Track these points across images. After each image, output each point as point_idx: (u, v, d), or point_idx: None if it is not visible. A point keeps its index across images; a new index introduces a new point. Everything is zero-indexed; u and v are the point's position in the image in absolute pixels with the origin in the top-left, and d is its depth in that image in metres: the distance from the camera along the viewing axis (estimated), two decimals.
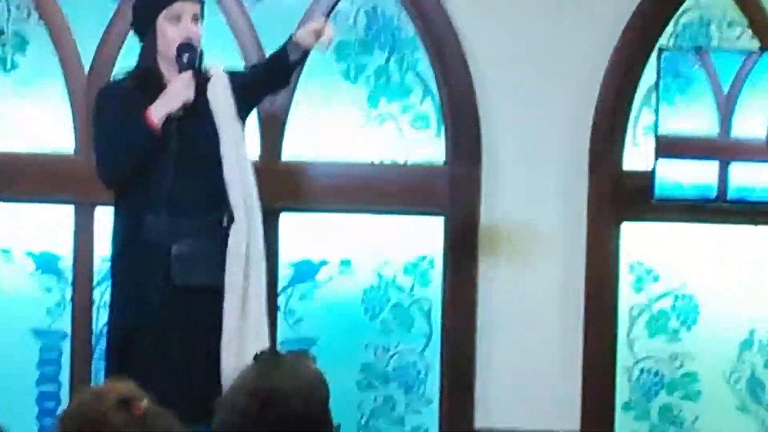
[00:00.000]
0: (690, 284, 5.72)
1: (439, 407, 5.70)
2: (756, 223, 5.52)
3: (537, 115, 5.67)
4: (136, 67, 5.02)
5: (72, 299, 5.68)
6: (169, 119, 4.81)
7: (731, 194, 5.34)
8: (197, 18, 4.92)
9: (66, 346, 5.75)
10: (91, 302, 5.66)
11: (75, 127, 5.65)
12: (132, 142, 4.83)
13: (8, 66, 5.77)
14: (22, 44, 5.77)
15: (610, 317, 5.67)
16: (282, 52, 4.95)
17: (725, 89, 5.40)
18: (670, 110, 5.43)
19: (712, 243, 5.69)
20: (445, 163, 5.67)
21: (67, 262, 5.69)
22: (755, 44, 5.54)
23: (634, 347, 5.76)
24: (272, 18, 5.67)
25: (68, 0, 5.72)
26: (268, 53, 5.36)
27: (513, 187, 5.68)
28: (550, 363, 5.69)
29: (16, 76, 5.76)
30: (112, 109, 4.95)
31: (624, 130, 5.64)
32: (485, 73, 5.67)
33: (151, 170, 4.84)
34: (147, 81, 4.93)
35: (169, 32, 4.87)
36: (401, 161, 5.72)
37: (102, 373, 5.55)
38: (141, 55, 5.00)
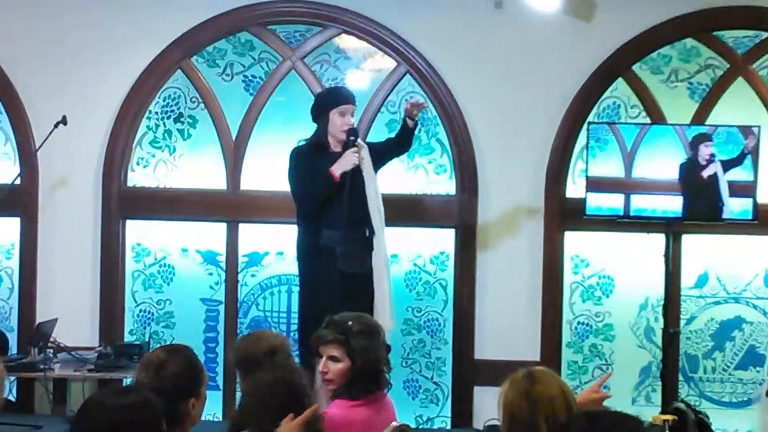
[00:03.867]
0: (608, 268, 7.28)
1: (452, 345, 7.23)
2: (648, 231, 7.01)
3: (512, 163, 7.19)
4: (313, 140, 6.35)
5: (225, 280, 7.35)
6: (343, 174, 6.17)
7: (632, 213, 6.66)
8: (353, 114, 6.39)
9: (221, 310, 7.37)
10: (236, 281, 7.33)
11: (227, 172, 7.34)
12: (324, 189, 6.17)
13: (185, 136, 7.43)
14: (193, 122, 7.44)
15: (558, 289, 7.22)
16: (404, 125, 6.33)
17: (628, 148, 6.71)
18: (595, 161, 6.75)
19: (621, 243, 7.23)
20: (456, 194, 7.26)
21: (221, 257, 7.36)
22: (648, 120, 7.11)
23: (573, 308, 7.32)
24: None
25: (222, 95, 7.37)
26: None
27: (497, 209, 7.22)
28: (521, 318, 7.18)
29: (190, 142, 7.44)
30: (302, 165, 6.25)
31: (567, 173, 7.21)
32: (479, 137, 7.23)
33: (328, 204, 6.15)
34: (319, 148, 6.29)
35: (338, 121, 6.29)
36: (429, 193, 7.25)
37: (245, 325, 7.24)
38: (317, 133, 6.32)
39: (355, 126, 6.47)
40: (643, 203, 6.76)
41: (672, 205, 6.72)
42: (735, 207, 6.72)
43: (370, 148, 6.41)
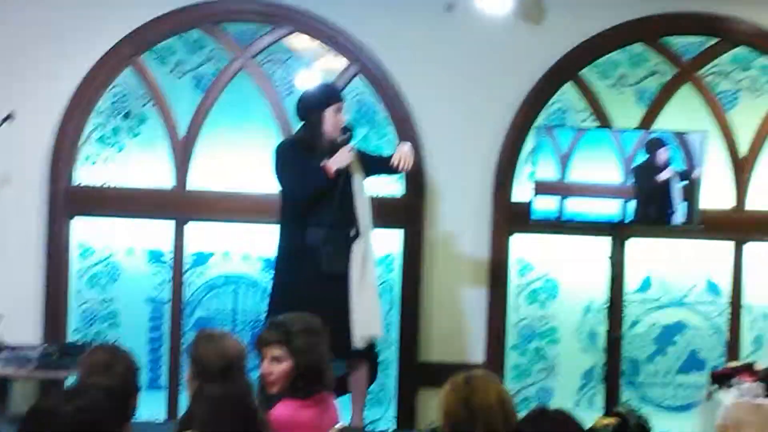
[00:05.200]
0: (552, 272, 7.34)
1: (398, 348, 7.24)
2: (594, 235, 7.05)
3: (460, 166, 7.20)
4: (303, 137, 6.29)
5: (171, 279, 7.32)
6: (337, 172, 6.19)
7: (576, 217, 6.73)
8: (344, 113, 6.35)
9: (167, 309, 7.35)
10: (182, 281, 7.31)
11: (175, 170, 7.29)
12: (317, 184, 6.16)
13: (134, 134, 7.40)
14: (142, 120, 7.40)
15: (504, 292, 7.25)
16: (391, 168, 6.36)
17: (562, 151, 6.73)
18: (541, 165, 6.77)
19: (565, 246, 7.28)
20: (403, 196, 7.27)
21: (168, 257, 7.33)
22: (596, 124, 7.17)
23: (519, 310, 7.36)
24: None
25: (171, 93, 7.34)
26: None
27: (445, 211, 7.23)
28: (466, 321, 7.19)
29: (139, 140, 7.40)
30: (292, 161, 6.21)
31: (513, 177, 7.24)
32: (428, 139, 7.24)
33: (318, 201, 6.13)
34: (306, 146, 6.24)
35: (334, 119, 6.28)
36: (377, 194, 6.99)
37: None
38: (309, 131, 6.25)
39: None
40: (586, 207, 6.83)
41: (614, 209, 6.77)
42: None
43: (358, 154, 6.47)
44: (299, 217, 6.23)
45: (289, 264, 6.28)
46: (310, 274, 6.16)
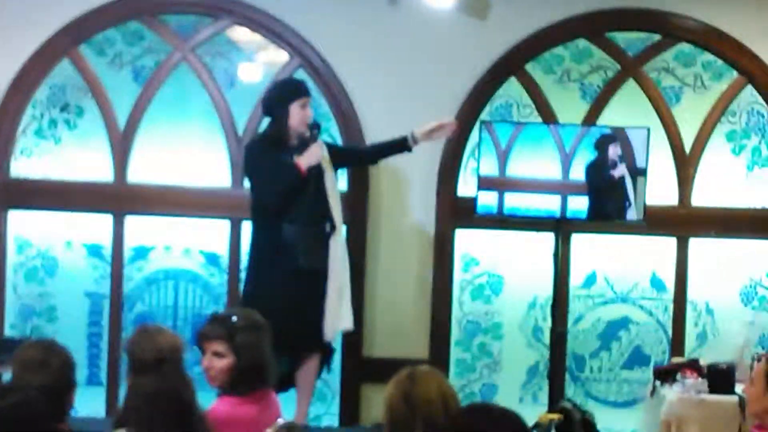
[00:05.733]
0: (498, 267, 7.35)
1: (341, 342, 7.05)
2: (537, 230, 7.10)
3: (405, 160, 6.97)
4: (270, 133, 6.33)
5: (111, 273, 7.26)
6: (309, 168, 6.25)
7: (520, 212, 6.75)
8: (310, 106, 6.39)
9: (106, 304, 7.29)
10: (122, 275, 7.25)
11: (114, 164, 7.24)
12: (290, 183, 6.19)
13: (72, 126, 7.33)
14: (80, 112, 7.34)
15: (448, 287, 7.25)
16: (404, 142, 6.46)
17: (503, 146, 6.74)
18: (485, 160, 6.78)
19: (510, 241, 7.30)
20: (346, 190, 7.10)
21: (107, 251, 7.28)
22: (539, 119, 7.18)
23: (463, 307, 7.37)
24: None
25: (110, 85, 7.28)
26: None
27: (388, 206, 7.24)
28: (410, 316, 7.21)
29: (77, 132, 7.34)
30: (264, 158, 6.24)
31: (458, 171, 7.25)
32: (372, 133, 7.15)
33: (291, 198, 6.18)
34: (278, 142, 6.25)
35: (300, 114, 6.28)
36: None
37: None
38: (276, 126, 6.28)
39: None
40: (526, 202, 6.86)
41: (555, 204, 6.79)
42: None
43: (328, 147, 6.53)
44: (273, 214, 6.23)
45: (263, 261, 6.28)
46: (287, 271, 6.17)
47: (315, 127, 6.36)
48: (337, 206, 6.41)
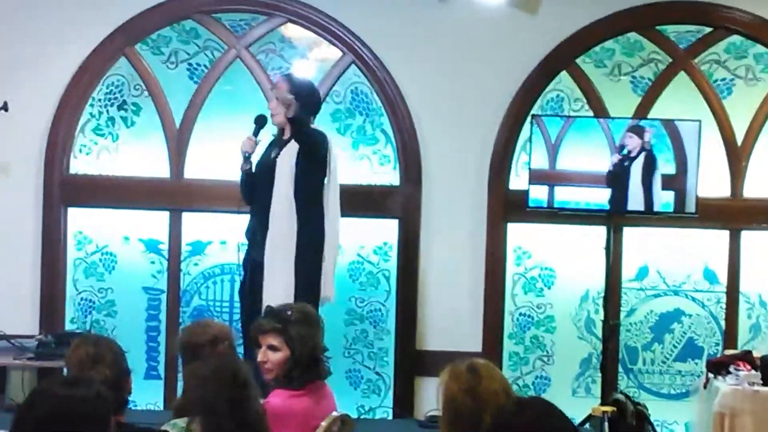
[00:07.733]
0: (550, 260, 7.36)
1: (395, 336, 7.28)
2: (589, 224, 7.13)
3: (457, 155, 7.25)
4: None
5: (168, 269, 7.37)
6: (260, 164, 6.38)
7: (571, 205, 6.81)
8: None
9: (163, 299, 7.39)
10: (179, 270, 7.34)
11: (170, 160, 7.35)
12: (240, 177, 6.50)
13: (129, 123, 7.42)
14: (137, 110, 7.42)
15: (501, 280, 7.28)
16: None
17: (553, 140, 6.84)
18: (538, 154, 6.86)
19: (562, 234, 7.31)
20: (399, 185, 7.30)
21: (164, 246, 7.37)
22: (591, 114, 7.19)
23: (515, 299, 7.39)
24: None
25: (166, 83, 7.36)
26: None
27: (441, 200, 7.27)
28: (463, 309, 7.24)
29: (134, 129, 7.43)
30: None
31: (510, 165, 7.29)
32: (424, 128, 7.28)
33: (243, 191, 6.42)
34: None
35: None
36: (374, 183, 7.29)
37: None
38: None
39: (267, 117, 6.57)
40: (576, 196, 6.91)
41: (605, 197, 6.82)
42: (663, 199, 6.87)
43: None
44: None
45: (246, 251, 6.56)
46: (253, 263, 6.36)
47: (260, 119, 6.51)
48: (281, 198, 6.33)
